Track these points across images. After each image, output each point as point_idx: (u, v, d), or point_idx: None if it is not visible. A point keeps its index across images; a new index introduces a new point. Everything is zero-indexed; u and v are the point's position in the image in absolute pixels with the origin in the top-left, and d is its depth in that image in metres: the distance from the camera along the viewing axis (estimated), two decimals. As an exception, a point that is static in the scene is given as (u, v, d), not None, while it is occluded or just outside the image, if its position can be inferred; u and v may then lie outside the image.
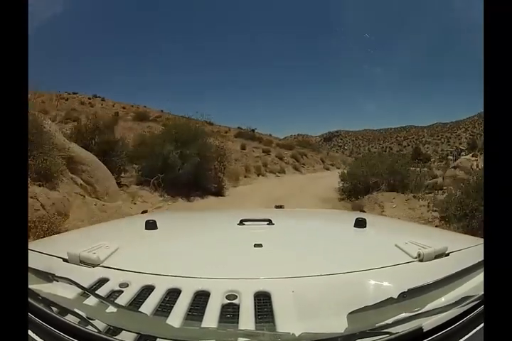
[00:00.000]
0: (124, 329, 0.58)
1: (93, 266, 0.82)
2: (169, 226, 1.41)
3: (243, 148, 20.53)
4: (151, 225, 1.18)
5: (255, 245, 0.96)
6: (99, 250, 0.88)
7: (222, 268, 0.84)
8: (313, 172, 23.39)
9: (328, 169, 26.55)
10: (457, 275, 0.69)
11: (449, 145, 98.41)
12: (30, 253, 0.74)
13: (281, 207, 2.32)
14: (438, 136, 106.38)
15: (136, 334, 0.57)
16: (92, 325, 0.58)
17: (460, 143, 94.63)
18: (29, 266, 0.67)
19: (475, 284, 0.67)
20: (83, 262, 0.83)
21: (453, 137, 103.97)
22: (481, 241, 0.91)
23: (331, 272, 0.78)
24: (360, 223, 1.19)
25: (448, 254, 0.88)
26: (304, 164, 24.24)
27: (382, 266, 0.80)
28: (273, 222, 1.23)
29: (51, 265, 0.81)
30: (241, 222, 1.24)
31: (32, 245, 0.91)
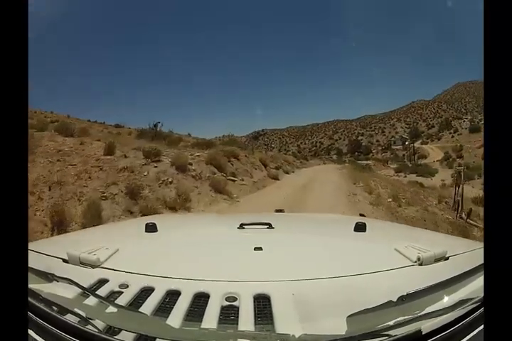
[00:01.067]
0: (124, 330, 0.58)
1: (93, 267, 0.83)
2: (169, 229, 1.41)
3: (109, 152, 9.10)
4: (150, 228, 1.18)
5: (255, 248, 0.96)
6: (99, 251, 0.89)
7: (222, 270, 0.84)
8: (255, 191, 11.15)
9: (276, 178, 15.05)
10: (457, 279, 0.69)
11: (384, 135, 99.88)
12: (30, 253, 0.74)
13: (281, 211, 2.31)
14: (371, 127, 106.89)
15: (135, 334, 0.57)
16: (92, 325, 0.58)
17: (397, 133, 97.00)
18: (29, 266, 0.67)
19: (474, 288, 0.67)
20: (83, 263, 0.83)
21: (387, 127, 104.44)
22: (481, 245, 0.91)
23: (330, 275, 0.78)
24: (360, 227, 1.19)
25: (447, 258, 0.88)
26: (234, 175, 11.38)
27: (381, 270, 0.81)
28: (273, 225, 1.23)
29: (51, 265, 0.81)
30: (241, 226, 1.24)
31: (32, 246, 0.91)
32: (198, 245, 1.11)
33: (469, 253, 0.94)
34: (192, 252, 1.02)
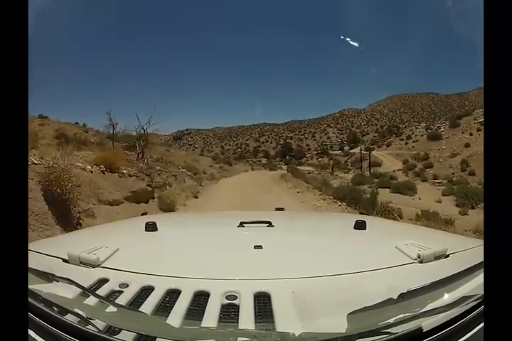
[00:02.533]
0: (124, 329, 0.58)
1: (93, 266, 0.83)
2: (169, 228, 1.41)
3: None
4: (150, 227, 1.18)
5: (255, 246, 0.96)
6: (99, 251, 0.88)
7: (222, 269, 0.84)
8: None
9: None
10: (457, 277, 0.70)
11: (314, 140, 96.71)
12: (30, 253, 0.74)
13: (281, 209, 2.31)
14: (300, 131, 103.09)
15: (135, 334, 0.58)
16: (92, 325, 0.58)
17: (329, 138, 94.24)
18: (29, 266, 0.68)
19: (475, 285, 0.67)
20: (83, 263, 0.83)
21: (318, 132, 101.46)
22: (481, 242, 0.92)
23: (330, 273, 0.78)
24: (360, 225, 1.19)
25: (448, 256, 0.88)
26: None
27: (381, 268, 0.81)
28: (273, 224, 1.24)
29: (51, 265, 0.81)
30: (241, 224, 1.23)
31: (32, 246, 0.91)
32: (198, 244, 1.11)
33: (469, 250, 0.95)
34: (192, 251, 1.02)
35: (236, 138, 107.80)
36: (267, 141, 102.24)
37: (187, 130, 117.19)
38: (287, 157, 75.14)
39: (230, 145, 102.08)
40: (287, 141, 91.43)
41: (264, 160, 73.36)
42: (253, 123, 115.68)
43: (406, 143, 51.78)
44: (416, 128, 59.16)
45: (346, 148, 62.33)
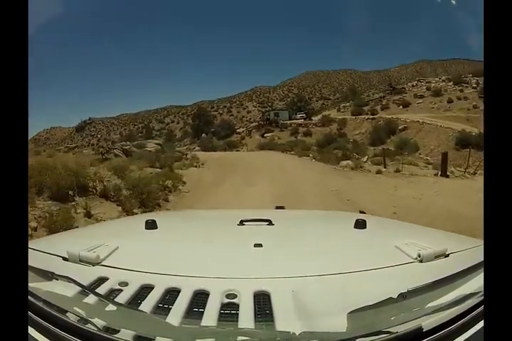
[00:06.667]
0: (124, 328, 0.58)
1: (93, 264, 0.83)
2: (169, 226, 1.40)
3: None
4: (150, 225, 1.17)
5: (255, 245, 0.96)
6: (98, 249, 0.88)
7: (222, 267, 0.84)
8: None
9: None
10: (457, 276, 0.70)
11: (232, 115, 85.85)
12: (30, 252, 0.74)
13: (281, 207, 2.30)
14: (213, 108, 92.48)
15: (135, 333, 0.58)
16: (92, 323, 0.58)
17: (249, 112, 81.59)
18: (29, 264, 0.68)
19: (475, 285, 0.67)
20: (83, 261, 0.83)
21: (235, 107, 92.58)
22: (481, 242, 0.91)
23: (330, 272, 0.78)
24: (360, 224, 1.19)
25: (448, 255, 0.88)
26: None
27: (382, 267, 0.81)
28: (273, 222, 1.23)
29: (51, 264, 0.81)
30: (241, 223, 1.23)
31: (32, 244, 0.92)
32: (198, 242, 1.11)
33: (469, 250, 0.95)
34: (192, 249, 1.01)
35: (139, 123, 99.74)
36: (173, 122, 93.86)
37: (90, 119, 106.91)
38: (203, 135, 45.63)
39: (128, 130, 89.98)
40: (202, 114, 61.76)
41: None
42: (159, 106, 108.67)
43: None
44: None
45: (301, 115, 43.13)
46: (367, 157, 18.13)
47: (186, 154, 19.18)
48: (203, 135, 46.43)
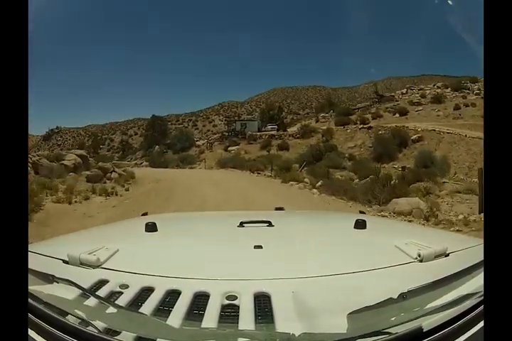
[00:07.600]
0: (124, 330, 0.58)
1: (93, 267, 0.83)
2: (169, 229, 1.40)
3: None
4: (150, 227, 1.17)
5: (255, 246, 0.96)
6: (99, 252, 0.89)
7: (222, 269, 0.84)
8: None
9: None
10: (457, 276, 0.70)
11: (197, 129, 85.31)
12: (30, 255, 0.75)
13: (281, 209, 2.25)
14: (178, 121, 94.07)
15: (135, 335, 0.58)
16: (93, 326, 0.58)
17: (215, 126, 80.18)
18: (29, 267, 0.68)
19: (475, 284, 0.67)
20: (83, 264, 0.83)
21: (201, 120, 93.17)
22: (481, 241, 0.90)
23: (331, 273, 0.78)
24: (360, 224, 1.18)
25: (448, 255, 0.88)
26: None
27: (382, 267, 0.81)
28: (273, 223, 1.23)
29: (51, 267, 0.82)
30: (241, 224, 1.23)
31: (32, 247, 0.91)
32: (198, 244, 1.11)
33: (469, 249, 0.95)
34: (192, 251, 1.01)
35: (107, 134, 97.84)
36: (136, 134, 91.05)
37: (57, 128, 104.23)
38: (156, 147, 41.52)
39: (92, 141, 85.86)
40: (157, 123, 57.28)
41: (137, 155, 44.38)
42: (127, 119, 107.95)
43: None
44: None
45: (272, 126, 37.20)
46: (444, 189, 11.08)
47: (112, 171, 15.03)
48: (156, 147, 41.38)
